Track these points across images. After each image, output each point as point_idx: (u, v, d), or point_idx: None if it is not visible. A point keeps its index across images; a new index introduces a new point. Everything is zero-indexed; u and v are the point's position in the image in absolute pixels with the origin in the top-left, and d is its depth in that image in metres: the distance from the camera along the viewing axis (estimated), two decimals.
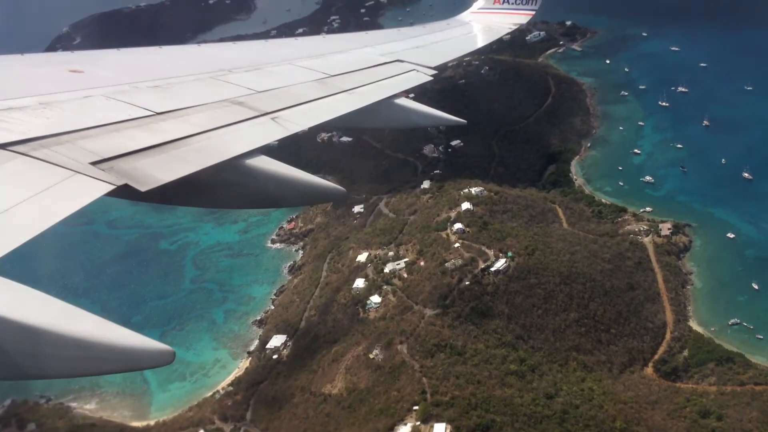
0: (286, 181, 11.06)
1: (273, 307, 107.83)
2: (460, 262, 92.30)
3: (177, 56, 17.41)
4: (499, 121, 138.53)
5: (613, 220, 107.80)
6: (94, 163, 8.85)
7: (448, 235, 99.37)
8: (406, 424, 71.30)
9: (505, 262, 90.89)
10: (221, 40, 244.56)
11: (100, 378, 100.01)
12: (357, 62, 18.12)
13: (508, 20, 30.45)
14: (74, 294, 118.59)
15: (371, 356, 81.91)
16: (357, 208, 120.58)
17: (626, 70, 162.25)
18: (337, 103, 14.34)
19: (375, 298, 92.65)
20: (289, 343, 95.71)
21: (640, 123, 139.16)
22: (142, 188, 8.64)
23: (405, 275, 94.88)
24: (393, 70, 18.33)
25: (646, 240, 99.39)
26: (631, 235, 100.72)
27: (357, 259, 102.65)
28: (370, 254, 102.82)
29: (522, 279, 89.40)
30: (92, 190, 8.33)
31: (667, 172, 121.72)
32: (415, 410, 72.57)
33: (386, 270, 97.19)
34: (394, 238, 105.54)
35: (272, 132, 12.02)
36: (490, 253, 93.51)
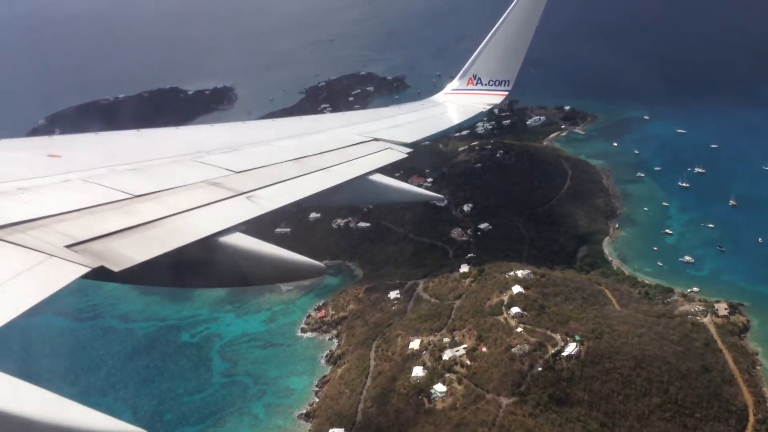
0: (263, 258, 10.76)
1: (318, 399, 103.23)
2: (527, 347, 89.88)
3: (155, 139, 17.36)
4: (521, 203, 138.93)
5: (663, 300, 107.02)
6: (69, 246, 8.78)
7: (506, 319, 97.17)
8: None
9: (576, 346, 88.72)
10: None
11: None
12: (334, 141, 18.19)
13: (482, 100, 29.85)
14: (99, 393, 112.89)
15: None
16: (393, 294, 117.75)
17: (636, 152, 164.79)
18: (312, 181, 14.42)
19: (439, 387, 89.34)
20: None
21: (665, 203, 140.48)
22: (116, 269, 8.53)
23: (468, 362, 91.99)
24: (369, 148, 18.27)
25: (706, 320, 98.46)
26: (689, 316, 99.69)
27: (409, 347, 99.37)
28: (422, 341, 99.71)
29: (596, 364, 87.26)
30: (67, 272, 8.19)
31: (704, 252, 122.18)
32: None
33: (445, 357, 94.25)
34: (444, 323, 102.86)
35: (247, 210, 11.78)
36: (557, 337, 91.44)
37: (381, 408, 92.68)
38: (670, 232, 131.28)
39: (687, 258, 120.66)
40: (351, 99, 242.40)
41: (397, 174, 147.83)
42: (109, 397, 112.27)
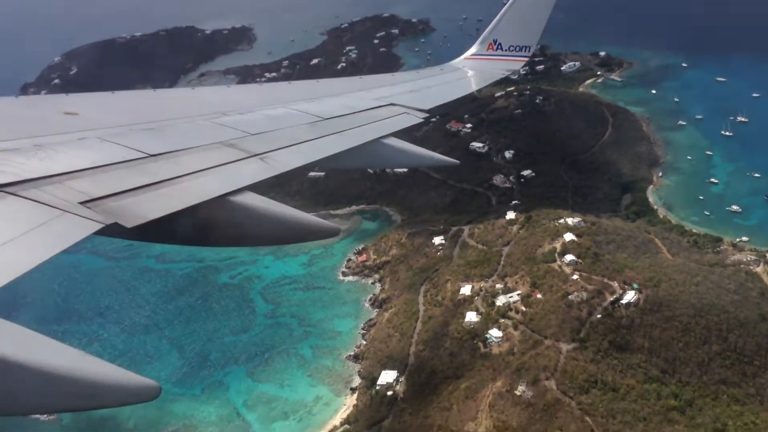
0: (275, 218, 10.97)
1: (365, 342, 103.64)
2: (585, 294, 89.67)
3: (172, 99, 17.70)
4: (563, 150, 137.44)
5: (713, 249, 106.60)
6: (83, 203, 8.92)
7: (560, 266, 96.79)
8: None
9: (634, 294, 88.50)
10: (227, 70, 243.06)
11: (194, 418, 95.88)
12: (350, 105, 18.20)
13: (502, 66, 29.95)
14: (144, 331, 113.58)
15: (518, 393, 78.37)
16: (437, 239, 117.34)
17: (676, 99, 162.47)
18: (326, 144, 14.56)
19: (495, 332, 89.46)
20: (401, 379, 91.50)
21: (708, 152, 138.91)
22: (128, 225, 8.70)
23: (522, 308, 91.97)
24: (385, 113, 18.42)
25: (759, 270, 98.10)
26: (742, 266, 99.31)
27: (460, 292, 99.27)
28: (473, 287, 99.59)
29: (655, 311, 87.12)
30: (80, 228, 8.36)
31: (751, 202, 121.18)
32: None
33: (498, 303, 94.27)
34: (494, 270, 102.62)
35: (260, 171, 11.93)
36: (614, 285, 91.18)
37: (434, 351, 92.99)
38: (716, 181, 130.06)
39: (734, 207, 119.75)
40: (376, 42, 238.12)
41: (434, 119, 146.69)
42: (153, 335, 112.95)
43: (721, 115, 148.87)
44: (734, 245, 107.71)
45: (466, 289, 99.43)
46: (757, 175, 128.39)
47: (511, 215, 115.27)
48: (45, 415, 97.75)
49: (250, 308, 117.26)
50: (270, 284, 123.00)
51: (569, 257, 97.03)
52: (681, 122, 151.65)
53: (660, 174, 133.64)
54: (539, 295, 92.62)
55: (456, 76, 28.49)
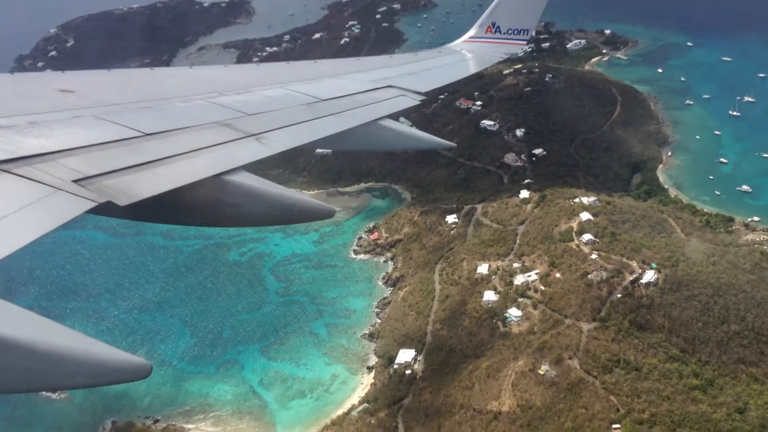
0: (271, 199, 11.03)
1: (379, 321, 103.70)
2: (604, 274, 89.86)
3: (169, 78, 17.63)
4: (573, 128, 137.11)
5: (725, 229, 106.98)
6: (76, 181, 8.94)
7: (578, 245, 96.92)
8: None
9: (654, 273, 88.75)
10: (226, 44, 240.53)
11: (209, 396, 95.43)
12: (348, 87, 18.30)
13: (500, 50, 29.90)
14: (155, 308, 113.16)
15: (541, 372, 78.71)
16: (450, 218, 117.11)
17: (682, 79, 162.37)
18: (322, 125, 14.63)
19: (514, 311, 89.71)
20: (419, 358, 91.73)
21: (717, 132, 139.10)
22: (122, 203, 8.74)
23: (541, 287, 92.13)
24: (382, 95, 18.52)
25: None
26: (756, 245, 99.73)
27: (477, 271, 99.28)
28: (490, 266, 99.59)
29: (674, 291, 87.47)
30: (73, 206, 8.42)
31: (761, 182, 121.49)
32: (616, 428, 70.13)
33: (516, 282, 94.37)
34: (510, 249, 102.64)
35: (256, 152, 11.98)
36: (633, 264, 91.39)
37: (452, 330, 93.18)
38: (725, 161, 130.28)
39: (745, 187, 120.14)
40: (378, 17, 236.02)
41: (442, 96, 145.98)
42: (164, 313, 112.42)
43: (729, 94, 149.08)
44: (746, 225, 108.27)
45: (483, 268, 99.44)
46: (766, 155, 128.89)
47: (524, 194, 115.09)
48: (56, 393, 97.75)
49: (262, 286, 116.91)
50: (281, 262, 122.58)
51: (587, 236, 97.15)
52: (689, 102, 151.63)
53: (669, 153, 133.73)
54: (558, 275, 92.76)
55: (454, 59, 28.54)
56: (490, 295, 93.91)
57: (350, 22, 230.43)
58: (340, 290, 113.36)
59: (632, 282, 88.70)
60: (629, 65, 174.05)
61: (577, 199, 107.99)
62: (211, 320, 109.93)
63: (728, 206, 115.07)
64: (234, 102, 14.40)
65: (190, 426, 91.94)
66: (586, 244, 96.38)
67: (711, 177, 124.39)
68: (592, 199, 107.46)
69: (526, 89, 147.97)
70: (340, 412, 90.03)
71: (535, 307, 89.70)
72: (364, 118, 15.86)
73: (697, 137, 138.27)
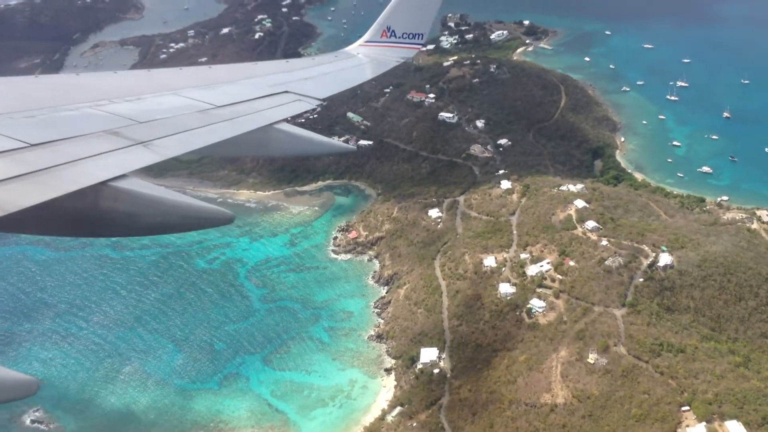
0: (165, 205, 11.35)
1: (383, 321, 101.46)
2: (620, 259, 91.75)
3: (57, 85, 17.54)
4: (528, 117, 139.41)
5: (700, 210, 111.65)
6: None
7: (584, 233, 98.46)
8: (688, 426, 69.91)
9: (669, 256, 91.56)
10: (123, 41, 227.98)
11: (222, 414, 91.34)
12: (244, 93, 18.90)
13: (395, 53, 31.45)
14: (126, 325, 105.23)
15: (590, 361, 79.39)
16: (433, 212, 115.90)
17: (611, 66, 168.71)
18: (215, 131, 14.93)
19: (537, 302, 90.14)
20: (443, 356, 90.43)
21: (661, 117, 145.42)
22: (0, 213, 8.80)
23: (558, 276, 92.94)
24: (278, 100, 19.25)
25: (756, 227, 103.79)
26: (738, 224, 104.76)
27: (484, 264, 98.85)
28: (496, 258, 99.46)
29: (689, 272, 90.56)
30: None
31: (718, 163, 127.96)
32: (685, 410, 71.68)
33: (530, 273, 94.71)
34: (510, 240, 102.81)
35: (143, 158, 12.23)
36: (645, 248, 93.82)
37: (472, 325, 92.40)
38: (678, 143, 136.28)
39: (705, 168, 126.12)
40: (284, 9, 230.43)
41: (388, 89, 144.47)
42: (144, 328, 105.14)
43: (661, 80, 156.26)
44: (718, 205, 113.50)
45: (489, 261, 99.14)
46: (714, 137, 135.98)
47: (506, 184, 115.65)
48: (45, 424, 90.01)
49: (242, 294, 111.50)
50: (255, 267, 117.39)
51: (591, 223, 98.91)
52: (625, 88, 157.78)
53: (622, 139, 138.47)
54: (572, 263, 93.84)
55: (351, 64, 28.99)
56: (506, 288, 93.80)
57: (259, 16, 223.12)
58: (329, 292, 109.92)
59: (650, 266, 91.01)
60: (555, 54, 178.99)
61: (564, 187, 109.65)
62: (196, 333, 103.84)
63: (694, 187, 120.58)
64: (124, 110, 14.28)
65: None
66: (591, 231, 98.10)
67: (669, 160, 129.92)
68: (579, 186, 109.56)
69: (475, 80, 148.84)
70: (369, 417, 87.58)
71: (557, 296, 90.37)
72: (258, 122, 15.96)
73: (644, 122, 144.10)
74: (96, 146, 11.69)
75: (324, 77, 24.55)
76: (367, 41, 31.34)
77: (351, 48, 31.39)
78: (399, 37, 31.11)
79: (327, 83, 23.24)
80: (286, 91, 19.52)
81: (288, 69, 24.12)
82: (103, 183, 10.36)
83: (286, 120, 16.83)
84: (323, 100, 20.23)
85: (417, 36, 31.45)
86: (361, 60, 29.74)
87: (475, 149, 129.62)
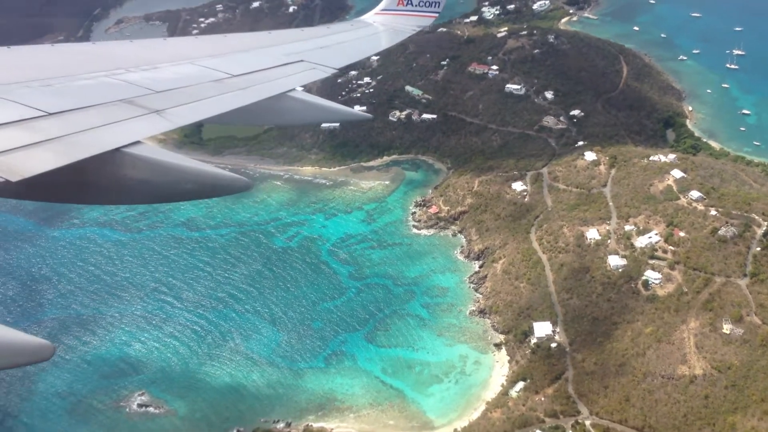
0: (180, 172, 11.34)
1: (482, 296, 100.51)
2: (733, 229, 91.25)
3: (75, 54, 17.52)
4: (595, 88, 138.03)
5: None
6: None
7: (689, 203, 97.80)
8: None
9: None
10: (148, 16, 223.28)
11: (336, 392, 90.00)
12: (259, 62, 18.89)
13: (412, 22, 31.32)
14: (217, 305, 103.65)
15: (726, 331, 79.03)
16: (517, 185, 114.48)
17: (663, 35, 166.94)
18: (230, 99, 15.05)
19: (652, 274, 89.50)
20: (557, 329, 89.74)
21: (724, 85, 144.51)
22: (14, 178, 8.88)
23: (670, 248, 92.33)
24: (293, 69, 19.24)
25: None
26: None
27: (587, 236, 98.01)
28: (599, 230, 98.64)
29: None
30: None
31: None
32: None
33: (638, 245, 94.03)
34: (608, 212, 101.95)
35: (157, 125, 12.38)
36: (755, 217, 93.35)
37: (585, 298, 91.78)
38: (747, 112, 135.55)
39: None
40: None
41: (444, 62, 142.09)
42: (234, 308, 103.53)
43: (716, 49, 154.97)
44: None
45: (592, 233, 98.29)
46: None
47: (591, 156, 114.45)
48: (156, 407, 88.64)
49: (329, 271, 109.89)
50: (336, 244, 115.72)
51: (696, 193, 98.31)
52: (682, 57, 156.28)
53: (690, 108, 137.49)
54: (682, 233, 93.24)
55: (367, 32, 28.74)
56: (616, 260, 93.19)
57: None
58: (419, 268, 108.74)
59: (764, 235, 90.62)
60: (602, 24, 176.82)
61: (655, 157, 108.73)
62: (292, 311, 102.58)
63: None
64: (140, 79, 14.30)
65: (331, 426, 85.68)
66: (696, 200, 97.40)
67: (742, 128, 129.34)
68: (671, 156, 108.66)
69: (535, 51, 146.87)
70: (489, 393, 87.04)
71: (672, 267, 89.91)
72: (273, 90, 16.03)
73: (708, 91, 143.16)
74: (112, 115, 11.74)
75: (340, 46, 24.39)
76: (383, 9, 31.07)
77: (367, 16, 31.11)
78: (416, 6, 30.88)
79: (343, 52, 23.21)
80: (302, 60, 19.41)
81: (304, 38, 24.02)
82: (118, 149, 10.38)
83: (301, 88, 16.72)
84: (339, 69, 20.15)
85: (434, 4, 31.20)
86: (377, 29, 29.47)
87: (549, 121, 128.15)
